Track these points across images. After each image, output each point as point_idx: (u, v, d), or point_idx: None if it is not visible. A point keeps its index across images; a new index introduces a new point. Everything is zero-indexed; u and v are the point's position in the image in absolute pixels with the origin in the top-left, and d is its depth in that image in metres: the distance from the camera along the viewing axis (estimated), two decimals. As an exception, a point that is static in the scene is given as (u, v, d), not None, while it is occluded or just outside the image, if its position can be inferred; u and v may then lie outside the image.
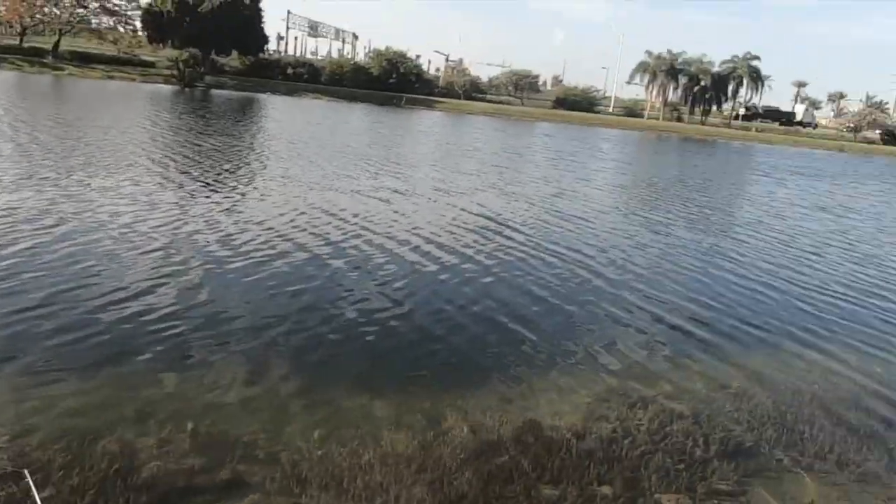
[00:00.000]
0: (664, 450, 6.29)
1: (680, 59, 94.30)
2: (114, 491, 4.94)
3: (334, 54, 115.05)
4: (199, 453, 5.57)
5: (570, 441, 6.23)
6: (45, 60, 67.56)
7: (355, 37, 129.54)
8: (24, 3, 70.04)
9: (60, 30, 73.86)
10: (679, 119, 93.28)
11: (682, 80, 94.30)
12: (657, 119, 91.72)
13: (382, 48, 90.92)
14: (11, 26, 76.26)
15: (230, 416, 6.17)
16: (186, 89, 64.60)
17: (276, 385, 6.87)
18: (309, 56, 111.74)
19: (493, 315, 9.33)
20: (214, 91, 66.37)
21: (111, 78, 66.29)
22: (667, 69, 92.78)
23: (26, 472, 4.91)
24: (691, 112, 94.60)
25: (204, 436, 5.81)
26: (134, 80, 67.87)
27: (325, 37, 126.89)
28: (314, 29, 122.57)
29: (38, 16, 73.36)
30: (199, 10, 74.58)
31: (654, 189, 26.51)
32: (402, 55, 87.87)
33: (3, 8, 72.47)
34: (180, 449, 5.60)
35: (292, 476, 5.39)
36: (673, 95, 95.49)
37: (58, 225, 11.64)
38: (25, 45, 71.37)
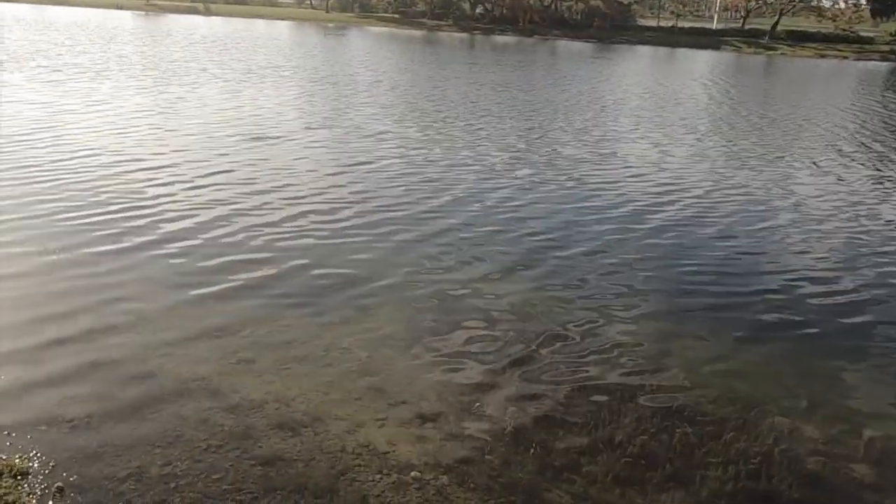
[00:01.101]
0: None
1: None
2: (762, 473, 4.95)
3: None
4: (872, 467, 5.09)
5: None
6: (761, 41, 70.29)
7: None
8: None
9: (781, 10, 75.43)
10: None
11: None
12: None
13: None
14: (737, 10, 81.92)
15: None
16: (905, 66, 57.85)
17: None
18: None
19: None
20: (941, 68, 57.46)
21: (822, 56, 64.52)
22: None
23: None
24: None
25: (878, 450, 5.28)
26: (846, 57, 64.46)
27: None
28: None
29: (762, -1, 76.61)
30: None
31: None
32: None
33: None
34: (850, 455, 5.22)
35: None
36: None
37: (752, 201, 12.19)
38: (746, 27, 75.63)
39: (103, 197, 10.04)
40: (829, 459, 5.15)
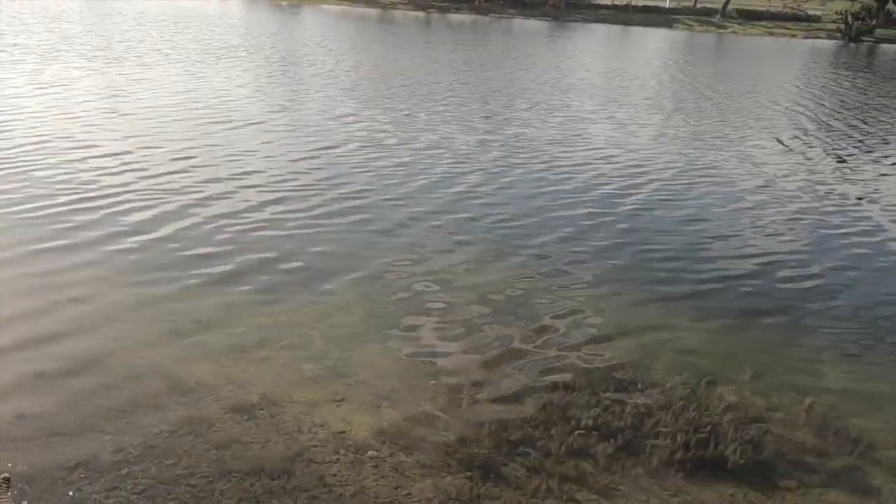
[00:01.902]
0: None
1: None
2: (710, 441, 5.10)
3: None
4: (813, 432, 5.29)
5: None
6: (712, 20, 71.20)
7: None
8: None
9: (732, -12, 76.37)
10: None
11: None
12: None
13: None
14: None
15: (855, 403, 5.67)
16: (851, 44, 59.39)
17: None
18: None
19: None
20: (884, 46, 59.19)
21: (771, 34, 65.73)
22: None
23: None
24: None
25: (819, 417, 5.49)
26: (794, 35, 65.77)
27: None
28: None
29: (713, -24, 77.37)
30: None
31: None
32: None
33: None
34: (793, 422, 5.42)
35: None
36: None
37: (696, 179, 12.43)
38: (698, 5, 76.45)
39: (53, 188, 9.66)
40: (773, 426, 5.34)
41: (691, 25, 68.57)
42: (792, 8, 73.85)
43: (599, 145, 14.51)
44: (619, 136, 15.59)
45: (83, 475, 4.31)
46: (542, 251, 8.49)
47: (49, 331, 5.95)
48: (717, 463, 4.86)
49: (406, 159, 12.35)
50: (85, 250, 7.73)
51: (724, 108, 20.43)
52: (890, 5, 68.62)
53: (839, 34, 63.99)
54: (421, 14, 63.30)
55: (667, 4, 79.20)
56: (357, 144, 13.11)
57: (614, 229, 9.47)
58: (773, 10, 73.99)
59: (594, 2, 79.78)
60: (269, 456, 4.62)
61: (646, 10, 74.22)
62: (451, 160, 12.46)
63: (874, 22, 66.05)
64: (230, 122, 14.40)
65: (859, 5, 66.04)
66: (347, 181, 10.79)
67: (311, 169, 11.35)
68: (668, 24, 67.98)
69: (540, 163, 12.75)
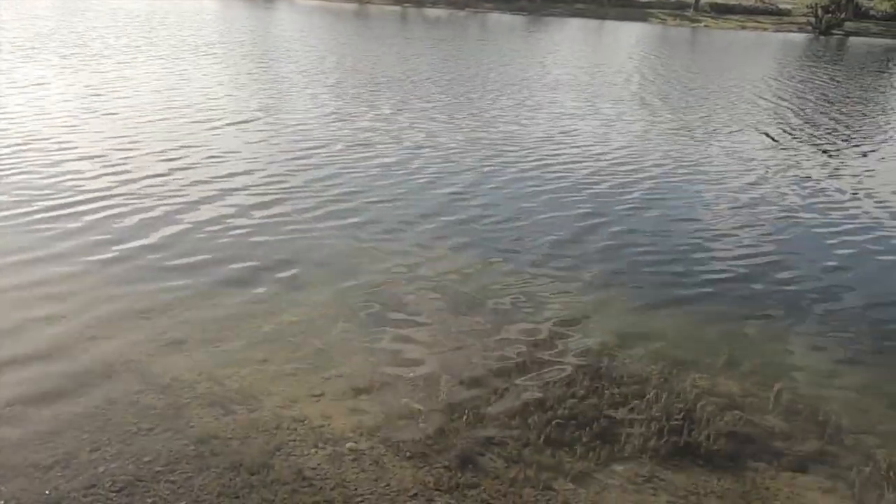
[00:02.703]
0: None
1: None
2: (683, 428, 5.21)
3: None
4: (783, 418, 5.42)
5: None
6: (686, 13, 71.84)
7: None
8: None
9: (705, -18, 77.05)
10: None
11: None
12: None
13: None
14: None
15: (824, 389, 5.82)
16: (821, 37, 60.27)
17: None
18: None
19: None
20: (853, 39, 60.17)
21: (743, 28, 66.49)
22: None
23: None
24: None
25: (788, 402, 5.62)
26: (766, 29, 66.60)
27: None
28: None
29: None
30: (852, -53, 67.76)
31: None
32: None
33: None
34: (763, 408, 5.54)
35: (887, 475, 4.80)
36: None
37: (669, 171, 12.57)
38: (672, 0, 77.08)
39: (31, 193, 9.46)
40: (744, 412, 5.46)
41: (665, 19, 69.15)
42: (763, 2, 74.73)
43: (587, 142, 14.50)
44: (607, 133, 15.64)
45: (60, 473, 4.29)
46: (520, 246, 8.58)
47: (23, 328, 5.89)
48: (691, 449, 4.96)
49: (392, 159, 12.20)
50: (62, 245, 7.65)
51: (709, 103, 20.72)
52: (859, -1, 69.78)
53: (809, 27, 64.91)
54: (397, 8, 63.06)
55: (641, -2, 79.66)
56: (343, 144, 12.93)
57: (590, 222, 9.58)
58: (744, 3, 74.85)
59: (569, -4, 80.00)
60: (247, 451, 4.63)
61: (621, 4, 74.62)
62: (438, 160, 12.32)
63: (843, 15, 67.12)
64: (213, 121, 14.13)
65: (829, -1, 67.05)
66: (333, 182, 10.65)
67: (296, 170, 11.16)
68: (643, 18, 68.51)
69: (529, 161, 12.64)
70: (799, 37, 60.20)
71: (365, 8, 61.54)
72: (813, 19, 65.36)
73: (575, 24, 58.82)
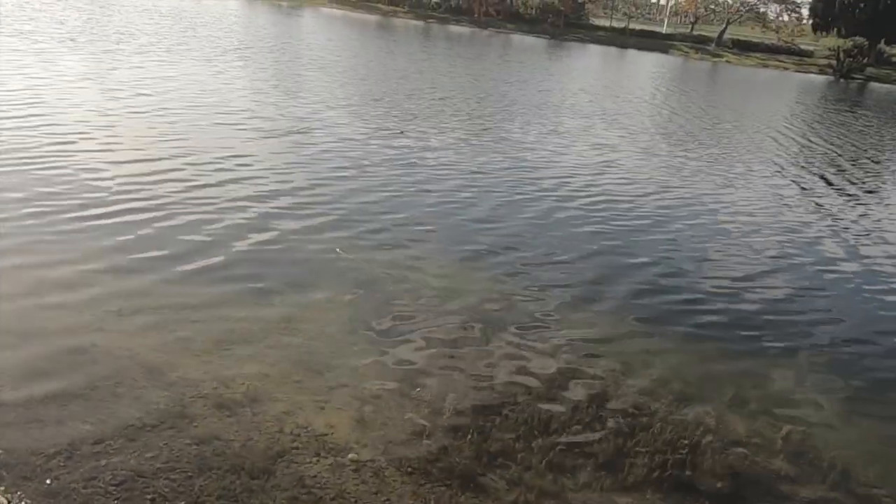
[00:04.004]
0: None
1: None
2: (687, 463, 5.17)
3: None
4: (788, 460, 5.36)
5: None
6: (707, 48, 72.12)
7: None
8: (703, -6, 75.71)
9: (728, 19, 77.50)
10: None
11: None
12: None
13: None
14: (686, 16, 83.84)
15: (832, 434, 5.75)
16: (842, 80, 60.32)
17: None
18: None
19: None
20: (874, 84, 60.17)
21: (765, 66, 66.64)
22: None
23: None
24: None
25: (795, 445, 5.56)
26: (787, 69, 66.75)
27: None
28: None
29: (711, 6, 78.56)
30: (878, -6, 67.90)
31: None
32: None
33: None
34: (769, 448, 5.49)
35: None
36: None
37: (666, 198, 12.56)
38: (695, 33, 77.46)
39: (55, 186, 9.64)
40: (750, 452, 5.40)
41: (687, 52, 69.46)
42: (786, 42, 74.89)
43: (604, 171, 14.45)
44: (638, 166, 15.43)
45: (62, 463, 4.29)
46: (532, 268, 8.54)
47: (32, 318, 5.91)
48: (694, 485, 4.91)
49: (421, 177, 12.11)
50: (68, 229, 7.73)
51: (733, 139, 20.66)
52: (881, 45, 69.84)
53: (830, 70, 64.99)
54: (420, 23, 63.60)
55: (664, 30, 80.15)
56: (376, 160, 12.91)
57: (606, 250, 9.56)
58: (767, 42, 75.05)
59: (594, 22, 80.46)
60: (249, 454, 4.61)
61: (642, 34, 75.12)
62: (460, 179, 12.23)
63: (865, 60, 67.21)
64: (247, 128, 14.04)
65: (851, 43, 67.21)
66: (359, 199, 10.49)
67: (322, 184, 10.99)
68: (664, 50, 68.81)
69: (545, 189, 12.61)
70: (819, 79, 60.30)
71: (389, 20, 62.07)
72: (835, 62, 65.49)
73: (596, 50, 59.15)
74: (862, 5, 68.65)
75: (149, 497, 4.14)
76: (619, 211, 11.52)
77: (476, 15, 72.26)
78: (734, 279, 9.04)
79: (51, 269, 6.85)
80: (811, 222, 12.27)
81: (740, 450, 5.41)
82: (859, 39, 67.85)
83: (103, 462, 4.35)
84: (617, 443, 5.25)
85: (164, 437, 4.66)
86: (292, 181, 10.74)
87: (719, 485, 4.93)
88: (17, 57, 18.10)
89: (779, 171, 16.53)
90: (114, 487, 4.17)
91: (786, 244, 10.81)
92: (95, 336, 5.78)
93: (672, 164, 15.94)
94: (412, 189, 11.20)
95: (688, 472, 5.00)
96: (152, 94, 15.75)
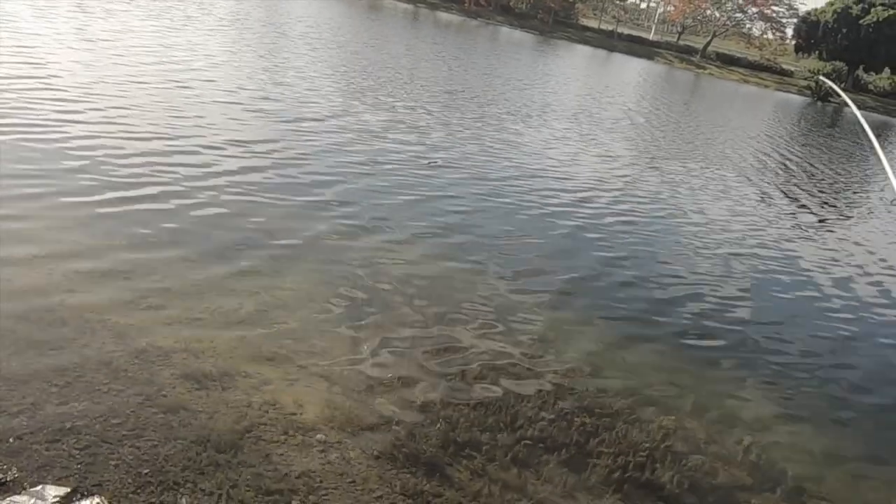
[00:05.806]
0: None
1: None
2: (647, 466, 5.27)
3: None
4: (748, 471, 5.50)
5: None
6: (692, 58, 72.82)
7: None
8: (692, 5, 76.28)
9: (714, 31, 78.29)
10: None
11: None
12: None
13: None
14: (673, 25, 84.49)
15: (788, 445, 5.91)
16: (819, 103, 61.44)
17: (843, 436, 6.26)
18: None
19: None
20: (848, 110, 61.27)
21: (745, 82, 67.54)
22: None
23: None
24: None
25: (753, 454, 5.70)
26: (767, 86, 67.76)
27: None
28: None
29: (699, 18, 79.24)
30: (860, 21, 69.23)
31: None
32: None
33: (672, 7, 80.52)
34: (727, 457, 5.62)
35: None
36: None
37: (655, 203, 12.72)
38: (681, 42, 78.13)
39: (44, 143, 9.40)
40: (709, 458, 5.53)
41: (672, 61, 70.02)
42: (767, 59, 76.00)
43: (586, 176, 14.56)
44: (606, 169, 15.79)
45: (25, 423, 4.21)
46: (509, 268, 8.58)
47: (4, 277, 5.78)
48: (654, 488, 5.01)
49: (385, 160, 12.29)
50: (40, 193, 7.55)
51: (712, 150, 20.92)
52: (859, 71, 71.29)
53: (808, 91, 66.11)
54: (409, 7, 63.03)
55: (651, 36, 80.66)
56: (354, 134, 13.06)
57: (580, 254, 9.65)
58: (750, 58, 76.05)
59: (583, 22, 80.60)
60: (216, 427, 4.58)
61: (630, 38, 75.51)
62: (452, 175, 12.30)
63: (843, 85, 68.43)
64: (237, 100, 14.12)
65: (831, 67, 68.43)
66: (346, 178, 10.68)
67: (308, 159, 11.18)
68: (650, 56, 69.33)
69: (523, 190, 12.72)
70: (797, 99, 61.34)
71: (377, 1, 61.41)
72: (813, 84, 66.64)
73: (583, 50, 59.30)
74: (844, 31, 69.96)
75: (112, 464, 4.10)
76: (597, 217, 11.63)
77: (466, 3, 71.93)
78: (705, 290, 9.18)
79: (12, 225, 6.71)
80: (788, 237, 12.52)
81: (699, 456, 5.52)
82: (839, 64, 69.13)
83: (68, 425, 4.28)
84: (581, 441, 5.33)
85: (131, 404, 4.61)
86: (285, 157, 10.65)
87: (678, 490, 5.04)
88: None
89: (764, 190, 16.81)
90: (77, 451, 4.12)
91: (758, 258, 11.02)
92: (64, 295, 5.68)
93: (654, 173, 16.12)
94: (408, 193, 11.16)
95: (647, 474, 5.10)
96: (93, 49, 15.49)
